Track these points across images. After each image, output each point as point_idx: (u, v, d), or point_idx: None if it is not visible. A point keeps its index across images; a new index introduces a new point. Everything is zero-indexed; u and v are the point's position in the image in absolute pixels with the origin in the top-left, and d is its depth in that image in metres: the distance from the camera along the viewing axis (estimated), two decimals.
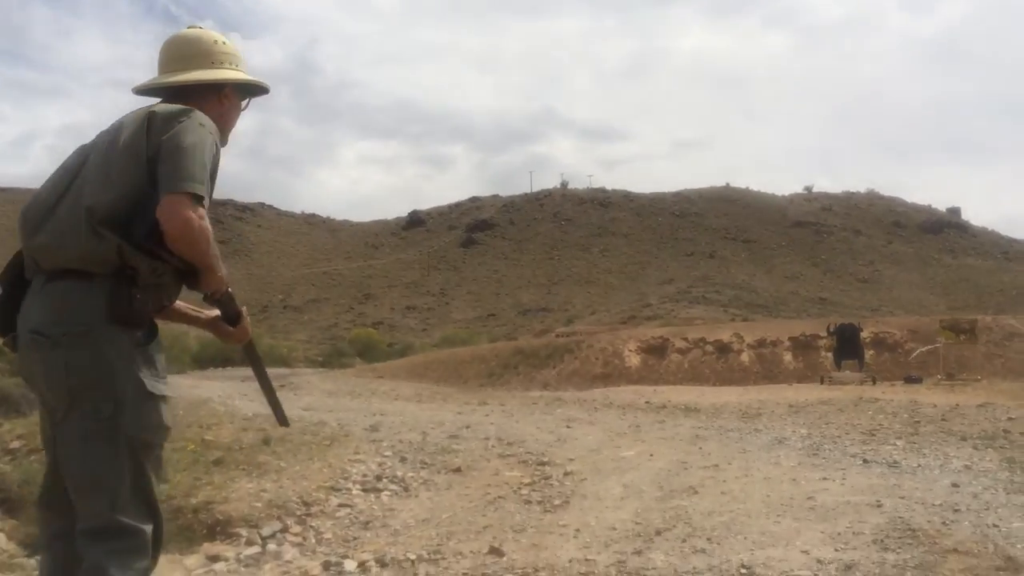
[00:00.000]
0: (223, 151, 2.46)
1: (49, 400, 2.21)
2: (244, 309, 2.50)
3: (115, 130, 2.24)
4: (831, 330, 18.89)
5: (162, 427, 2.22)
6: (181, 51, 2.40)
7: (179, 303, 2.48)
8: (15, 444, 7.70)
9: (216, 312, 2.48)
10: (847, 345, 18.30)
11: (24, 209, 2.27)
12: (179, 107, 2.23)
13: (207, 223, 2.11)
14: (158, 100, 2.35)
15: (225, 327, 2.49)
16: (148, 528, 2.17)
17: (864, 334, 18.99)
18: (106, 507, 2.11)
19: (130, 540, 2.12)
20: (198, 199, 2.08)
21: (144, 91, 2.41)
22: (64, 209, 2.17)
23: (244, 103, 2.54)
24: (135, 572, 2.11)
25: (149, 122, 2.17)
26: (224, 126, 2.43)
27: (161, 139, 2.12)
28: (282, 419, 2.95)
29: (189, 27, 2.49)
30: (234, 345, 2.62)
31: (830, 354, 18.86)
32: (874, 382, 16.31)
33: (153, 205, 2.07)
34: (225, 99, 2.42)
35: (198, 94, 2.34)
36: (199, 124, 2.18)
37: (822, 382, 16.92)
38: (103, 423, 2.08)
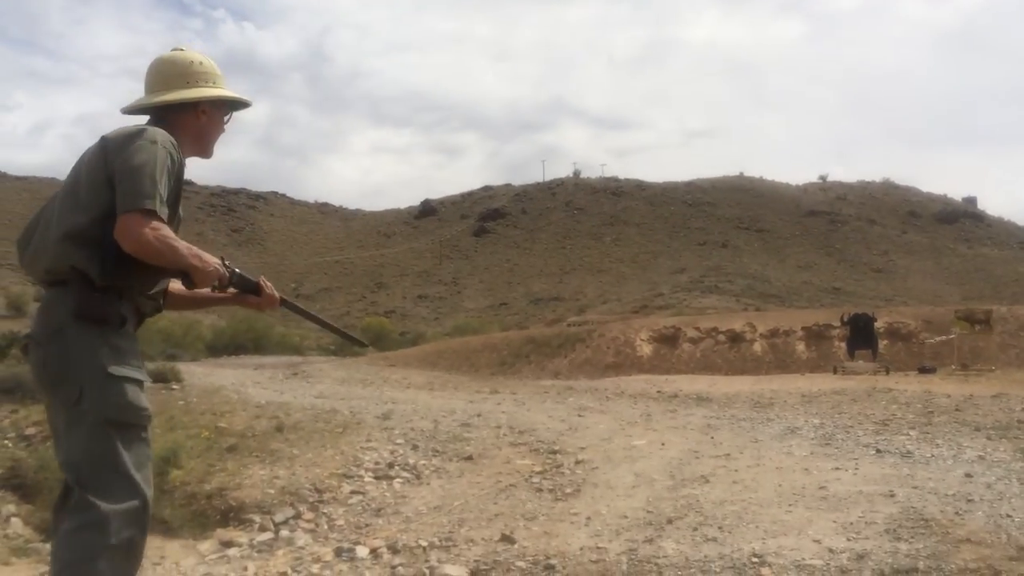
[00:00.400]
0: (209, 162, 2.75)
1: (41, 395, 2.46)
2: (262, 278, 2.66)
3: (80, 160, 2.47)
4: (844, 320, 18.68)
5: (131, 407, 2.30)
6: (160, 73, 2.59)
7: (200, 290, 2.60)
8: (31, 431, 7.79)
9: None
10: (861, 335, 18.07)
11: (19, 235, 2.52)
12: (130, 129, 2.42)
13: (164, 231, 2.25)
14: (147, 118, 2.57)
15: (251, 298, 2.67)
16: (114, 505, 2.20)
17: (878, 324, 18.85)
18: (76, 484, 2.24)
19: (86, 514, 2.19)
20: (150, 213, 2.23)
21: (131, 111, 2.60)
22: (41, 230, 2.43)
23: (226, 118, 2.71)
24: (86, 551, 2.15)
25: (104, 149, 2.38)
26: (205, 139, 2.65)
27: (114, 164, 2.31)
28: (358, 342, 3.18)
29: (173, 49, 2.65)
30: (270, 310, 2.78)
31: (844, 344, 18.71)
32: (887, 372, 16.08)
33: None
34: (202, 115, 2.59)
35: (176, 112, 2.54)
36: (150, 142, 2.34)
37: (835, 372, 16.70)
38: (72, 410, 2.26)
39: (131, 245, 2.21)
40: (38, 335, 2.35)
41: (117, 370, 2.27)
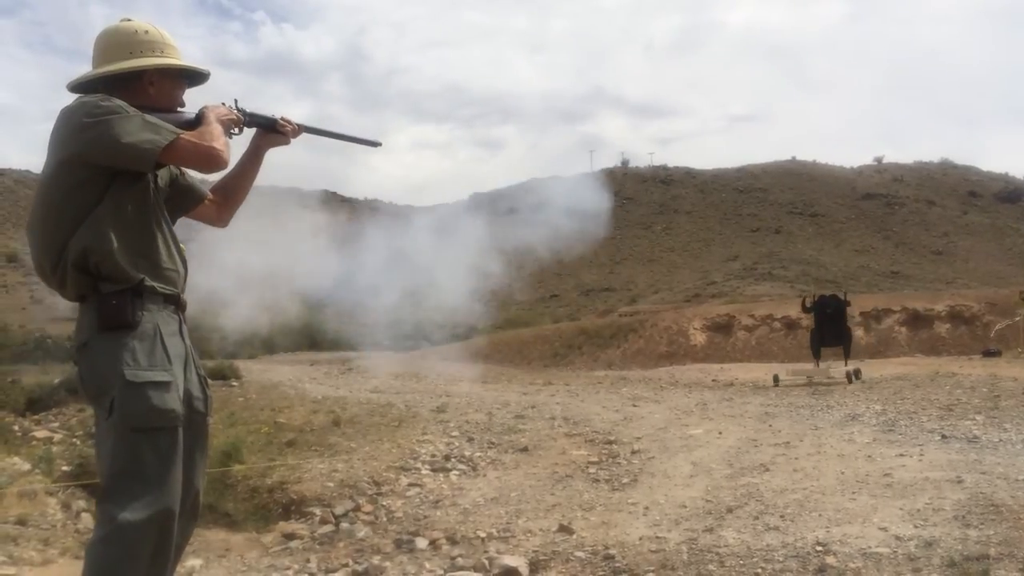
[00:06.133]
0: None
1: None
2: (279, 116, 2.69)
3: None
4: (807, 305, 14.22)
5: (154, 411, 2.22)
6: (104, 44, 2.44)
7: (232, 169, 2.60)
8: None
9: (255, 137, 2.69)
10: (829, 326, 13.53)
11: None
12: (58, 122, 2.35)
13: (186, 143, 2.30)
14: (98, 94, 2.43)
15: (274, 137, 2.70)
16: (133, 517, 2.15)
17: (939, 309, 18.10)
18: (100, 495, 2.21)
19: (106, 527, 2.16)
20: (162, 148, 2.27)
21: (75, 88, 2.45)
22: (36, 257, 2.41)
23: (182, 90, 2.55)
24: (105, 565, 2.13)
25: (52, 144, 2.34)
26: (163, 111, 2.44)
27: (78, 149, 2.28)
28: (370, 142, 3.10)
29: (121, 20, 2.50)
30: (294, 138, 2.76)
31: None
32: (851, 380, 11.67)
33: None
34: (150, 86, 2.42)
35: (124, 84, 2.38)
36: (83, 116, 2.28)
37: (775, 383, 12.12)
38: (108, 421, 2.21)
39: (203, 169, 2.40)
40: (73, 352, 2.35)
41: (136, 376, 2.21)
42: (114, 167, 2.25)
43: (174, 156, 2.30)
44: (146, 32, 2.44)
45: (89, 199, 2.24)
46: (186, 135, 2.30)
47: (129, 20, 2.48)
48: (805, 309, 14.46)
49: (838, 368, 12.50)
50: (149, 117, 2.27)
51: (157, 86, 2.44)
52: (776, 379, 12.33)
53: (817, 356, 13.50)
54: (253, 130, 2.68)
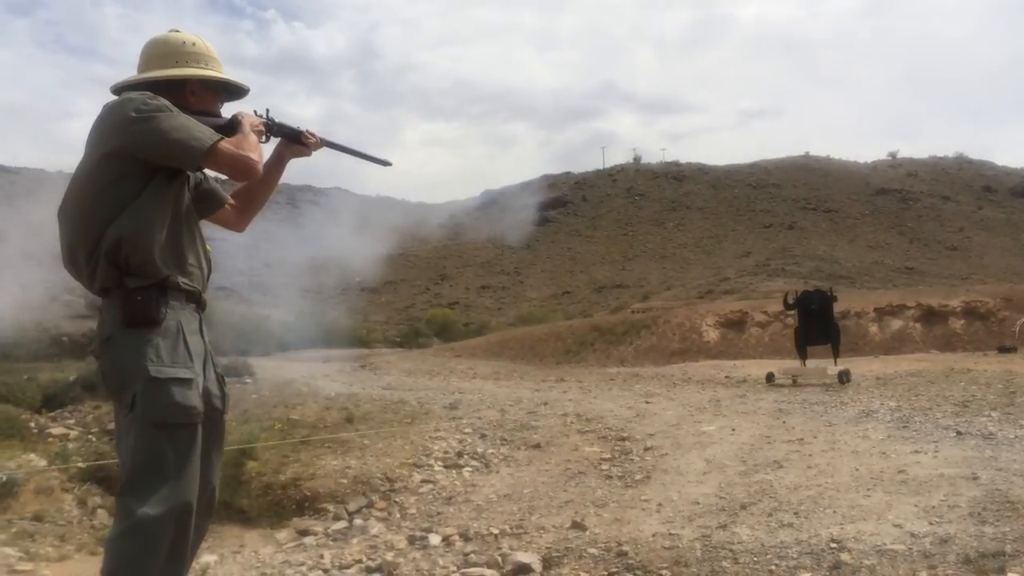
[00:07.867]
0: None
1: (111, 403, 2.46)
2: (299, 127, 2.75)
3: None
4: (790, 302, 13.31)
5: (176, 407, 2.25)
6: (151, 52, 2.52)
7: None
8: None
9: (279, 146, 2.76)
10: (815, 323, 12.75)
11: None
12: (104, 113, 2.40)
13: (226, 151, 2.34)
14: None
15: (297, 148, 2.77)
16: (152, 511, 2.17)
17: (953, 304, 17.93)
18: (120, 489, 2.23)
19: (126, 521, 2.17)
20: (207, 152, 2.32)
21: (118, 90, 2.50)
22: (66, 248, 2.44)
23: (221, 103, 2.62)
24: (125, 558, 2.15)
25: (94, 134, 2.39)
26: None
27: (124, 143, 2.33)
28: (381, 161, 3.16)
29: (170, 30, 2.59)
30: (315, 151, 2.83)
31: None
32: (843, 381, 11.04)
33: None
34: (191, 96, 2.50)
35: (166, 91, 2.43)
36: (133, 110, 2.32)
37: (768, 380, 12.03)
38: (129, 416, 2.24)
39: (237, 177, 2.43)
40: (94, 347, 2.37)
41: (159, 372, 2.23)
42: (157, 163, 2.30)
43: (213, 160, 2.34)
44: (193, 44, 2.54)
45: (128, 192, 2.28)
46: (226, 141, 2.35)
47: (177, 31, 2.58)
48: (787, 307, 13.59)
49: (829, 367, 11.93)
50: (192, 119, 2.34)
51: (197, 96, 2.52)
52: (770, 376, 12.04)
53: (803, 355, 12.79)
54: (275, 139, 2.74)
